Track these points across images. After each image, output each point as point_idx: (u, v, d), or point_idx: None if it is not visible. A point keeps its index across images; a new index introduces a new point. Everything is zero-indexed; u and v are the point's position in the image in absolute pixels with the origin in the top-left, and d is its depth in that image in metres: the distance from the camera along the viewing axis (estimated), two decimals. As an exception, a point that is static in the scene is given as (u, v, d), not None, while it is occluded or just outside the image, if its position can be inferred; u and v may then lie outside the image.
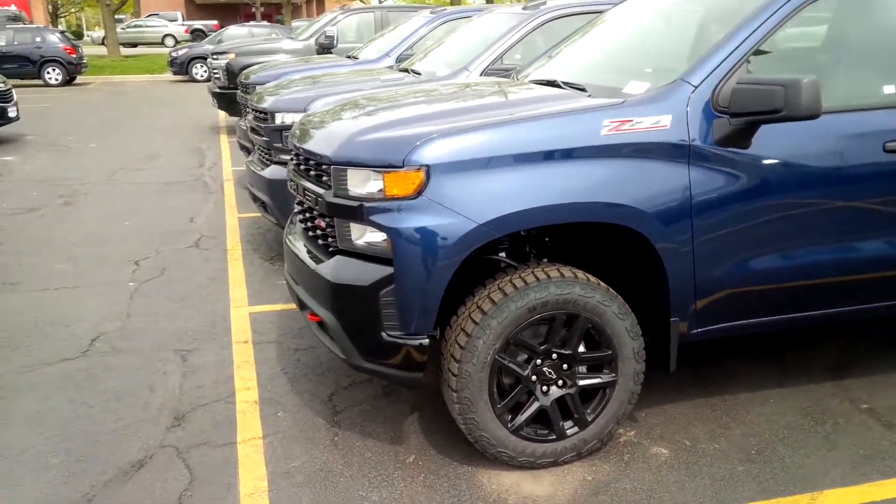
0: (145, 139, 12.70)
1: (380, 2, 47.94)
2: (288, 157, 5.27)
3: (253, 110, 6.10)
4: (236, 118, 13.14)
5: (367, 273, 2.97)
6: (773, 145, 3.09)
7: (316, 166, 3.22)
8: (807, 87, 2.78)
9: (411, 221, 2.85)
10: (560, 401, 3.12)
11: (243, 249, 6.33)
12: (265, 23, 30.34)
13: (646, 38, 4.06)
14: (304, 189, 3.37)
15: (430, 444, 3.35)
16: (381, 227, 2.89)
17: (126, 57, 32.34)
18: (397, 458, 3.24)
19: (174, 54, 24.58)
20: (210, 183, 9.08)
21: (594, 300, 3.01)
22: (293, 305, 4.90)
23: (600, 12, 5.71)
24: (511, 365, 3.03)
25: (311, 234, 3.46)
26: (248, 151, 8.31)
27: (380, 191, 2.91)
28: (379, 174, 2.90)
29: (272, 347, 4.39)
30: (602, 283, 3.05)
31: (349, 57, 9.13)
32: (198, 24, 44.63)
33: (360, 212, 2.95)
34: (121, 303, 5.11)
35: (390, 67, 7.04)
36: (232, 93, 12.56)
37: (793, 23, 3.20)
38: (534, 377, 3.08)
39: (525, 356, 3.06)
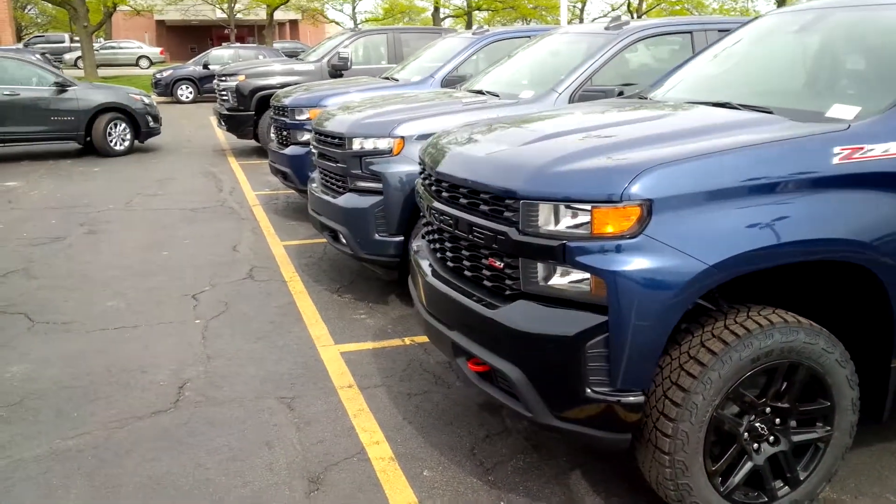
0: (149, 162, 12.17)
1: (355, 24, 47.83)
2: (366, 184, 5.08)
3: (319, 134, 5.71)
4: (247, 140, 12.76)
5: (570, 322, 2.60)
6: None
7: (491, 200, 2.85)
8: None
9: (632, 263, 2.50)
10: (771, 459, 2.79)
11: (303, 281, 5.91)
12: (252, 44, 29.82)
13: (802, 58, 3.78)
14: (460, 221, 3.01)
15: (611, 508, 2.99)
16: (592, 270, 2.54)
17: (105, 78, 31.53)
18: (582, 527, 2.88)
19: (158, 76, 23.97)
20: (237, 209, 8.62)
21: (818, 347, 2.69)
22: (383, 343, 4.59)
23: (688, 32, 5.52)
24: (730, 423, 2.69)
25: (468, 272, 3.10)
26: (282, 175, 7.94)
27: (585, 228, 2.56)
28: (586, 210, 2.56)
29: (382, 392, 3.98)
30: (824, 329, 2.73)
31: (386, 78, 8.78)
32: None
33: (560, 252, 2.59)
34: (194, 343, 4.66)
35: (453, 89, 6.71)
36: (242, 115, 12.17)
37: None
38: (746, 434, 2.74)
39: (739, 411, 2.72)
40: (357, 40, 13.08)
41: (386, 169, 5.01)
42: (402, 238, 5.06)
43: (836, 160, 2.66)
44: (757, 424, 2.75)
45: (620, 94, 4.98)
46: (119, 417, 3.72)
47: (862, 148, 2.68)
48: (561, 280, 2.67)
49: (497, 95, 5.71)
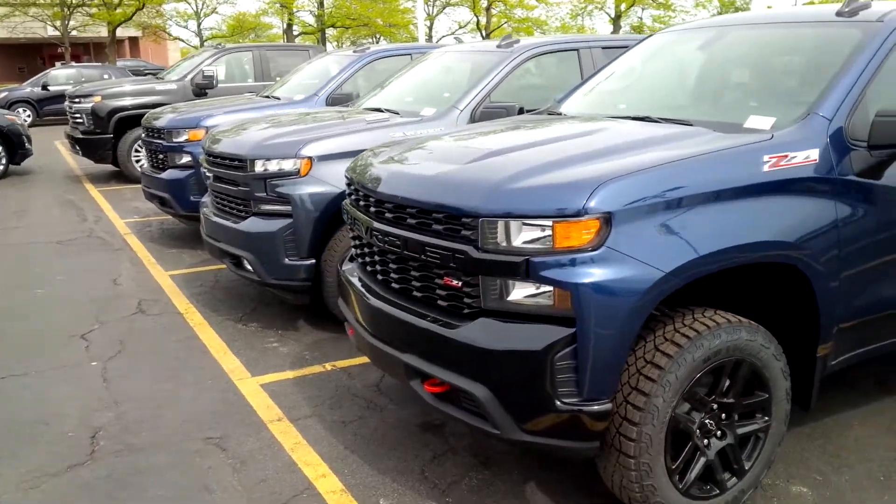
0: (-6, 192, 11.14)
1: (201, 42, 46.14)
2: (271, 207, 4.91)
3: (213, 156, 5.45)
4: (104, 164, 11.97)
5: (536, 336, 2.63)
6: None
7: (445, 219, 2.83)
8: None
9: (596, 275, 2.56)
10: (720, 452, 2.94)
11: (201, 312, 5.60)
12: (97, 64, 28.00)
13: (706, 73, 4.03)
14: (409, 242, 2.97)
15: (572, 516, 3.04)
16: (557, 284, 2.58)
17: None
18: (550, 539, 2.90)
19: (-9, 98, 22.00)
20: (108, 239, 8.05)
21: (757, 343, 2.87)
22: (304, 370, 4.44)
23: (575, 49, 5.77)
24: (685, 422, 2.81)
25: (418, 293, 3.06)
26: (159, 201, 7.53)
27: (546, 243, 2.61)
28: (547, 225, 2.60)
29: (315, 423, 3.84)
30: (761, 326, 2.92)
31: (266, 97, 8.54)
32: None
33: (524, 268, 2.62)
34: (96, 388, 4.29)
35: (345, 107, 6.62)
36: (99, 138, 11.44)
37: None
38: (698, 431, 2.88)
39: (691, 410, 2.85)
40: (221, 58, 12.63)
41: (294, 191, 4.86)
42: (314, 261, 4.92)
43: (766, 168, 2.86)
44: (707, 421, 2.89)
45: (521, 110, 5.12)
46: (30, 476, 3.36)
47: (787, 156, 2.90)
48: (523, 295, 2.69)
49: (397, 113, 5.69)
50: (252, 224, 5.04)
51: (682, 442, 2.85)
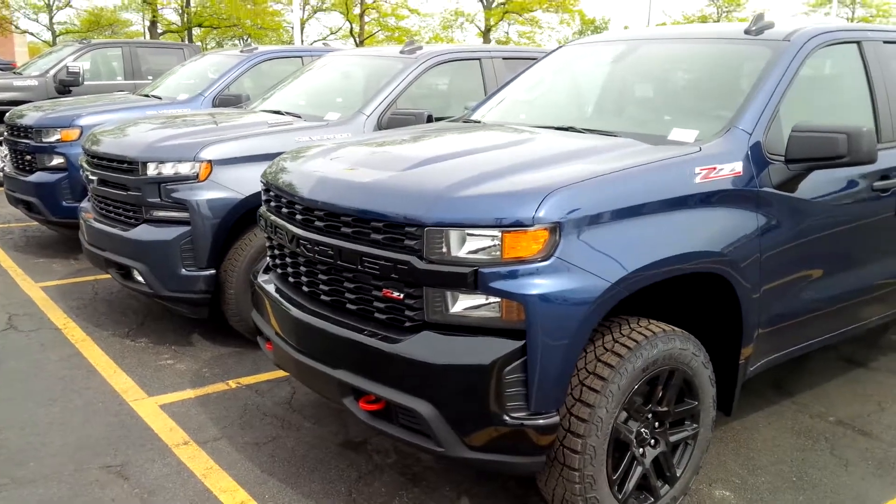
0: None
1: (53, 36, 43.03)
2: (166, 214, 4.58)
3: (96, 158, 5.02)
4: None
5: (485, 349, 2.55)
6: (808, 187, 3.30)
7: (385, 228, 2.70)
8: (868, 135, 3.02)
9: (547, 286, 2.52)
10: (653, 461, 2.98)
11: (81, 327, 5.13)
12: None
13: (620, 85, 4.10)
14: (343, 252, 2.82)
15: (510, 532, 2.98)
16: (507, 295, 2.52)
17: None
18: (491, 557, 2.82)
19: None
20: (-38, 247, 7.27)
21: (689, 352, 2.93)
22: (205, 389, 4.15)
23: (477, 59, 5.79)
24: (625, 432, 2.82)
25: (352, 305, 2.91)
26: (26, 206, 6.89)
27: (495, 254, 2.54)
28: (495, 236, 2.53)
29: (226, 445, 3.58)
30: (691, 335, 2.98)
31: (146, 96, 8.00)
32: None
33: (472, 279, 2.54)
34: (-35, 415, 3.82)
35: (239, 109, 6.28)
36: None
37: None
38: (635, 440, 2.90)
39: (628, 419, 2.86)
40: (86, 53, 11.78)
41: (192, 196, 4.54)
42: (214, 272, 4.62)
43: (697, 179, 2.93)
44: (642, 430, 2.91)
45: (430, 117, 5.05)
46: None
47: (715, 168, 2.99)
48: (469, 307, 2.61)
49: (299, 116, 5.47)
50: (144, 232, 4.66)
51: (622, 452, 2.86)
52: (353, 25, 47.10)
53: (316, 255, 2.97)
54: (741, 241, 3.03)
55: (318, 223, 2.97)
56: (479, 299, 2.59)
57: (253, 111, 5.96)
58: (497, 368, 2.53)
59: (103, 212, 5.12)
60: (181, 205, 4.57)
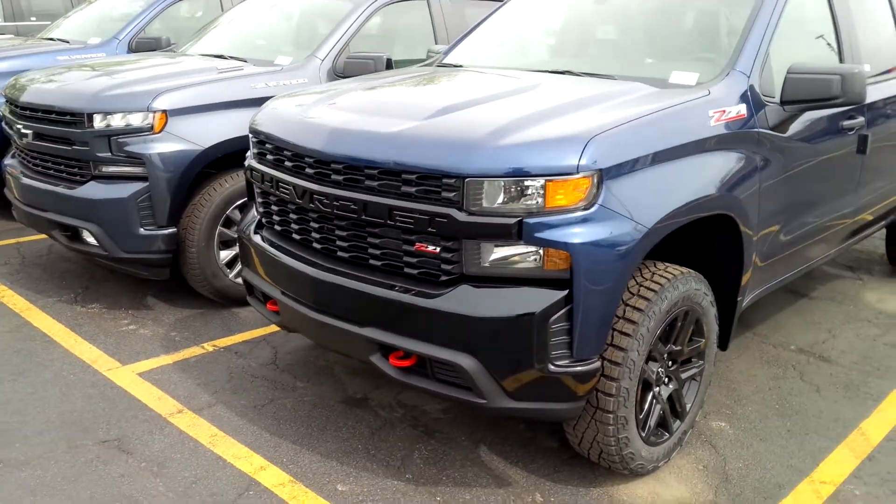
0: None
1: None
2: (117, 169, 4.27)
3: (27, 109, 4.58)
4: None
5: (530, 300, 2.55)
6: (795, 128, 3.44)
7: (419, 180, 2.61)
8: (860, 76, 3.17)
9: (591, 233, 2.53)
10: (668, 398, 3.10)
11: (21, 294, 4.75)
12: None
13: (605, 23, 4.09)
14: (369, 206, 2.71)
15: (536, 475, 3.03)
16: (553, 245, 2.51)
17: None
18: (525, 501, 2.88)
19: None
20: None
21: (701, 292, 3.04)
22: (181, 354, 3.98)
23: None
24: (648, 373, 2.91)
25: (376, 261, 2.82)
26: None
27: (538, 202, 2.52)
28: (539, 184, 2.51)
29: (224, 411, 3.45)
30: (701, 275, 3.09)
31: (51, 39, 7.32)
32: None
33: (516, 230, 2.51)
34: (-80, 397, 3.48)
35: (169, 53, 5.85)
36: None
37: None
38: (655, 380, 3.00)
39: (648, 360, 2.95)
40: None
41: (148, 149, 4.23)
42: (174, 230, 4.36)
43: (712, 122, 2.99)
44: (660, 370, 3.02)
45: (389, 62, 4.89)
46: None
47: (725, 111, 3.06)
48: (509, 258, 2.59)
49: (244, 60, 5.16)
50: (94, 189, 4.32)
51: (644, 392, 2.95)
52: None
53: (334, 211, 2.85)
54: (746, 181, 3.14)
55: (335, 177, 2.84)
56: (520, 249, 2.57)
57: (189, 56, 5.57)
58: (544, 318, 2.53)
59: (37, 168, 4.70)
60: (136, 159, 4.25)
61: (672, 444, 3.12)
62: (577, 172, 2.51)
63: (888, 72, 4.45)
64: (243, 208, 4.51)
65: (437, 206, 2.59)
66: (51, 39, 7.32)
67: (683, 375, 3.13)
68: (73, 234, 4.50)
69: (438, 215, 2.58)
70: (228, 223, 4.53)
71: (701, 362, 3.20)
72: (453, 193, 2.56)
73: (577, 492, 2.93)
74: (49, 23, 10.38)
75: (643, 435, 2.95)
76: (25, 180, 4.69)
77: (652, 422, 3.00)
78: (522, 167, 2.52)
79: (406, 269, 2.76)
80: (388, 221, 2.70)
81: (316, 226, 3.01)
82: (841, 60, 3.92)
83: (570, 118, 2.75)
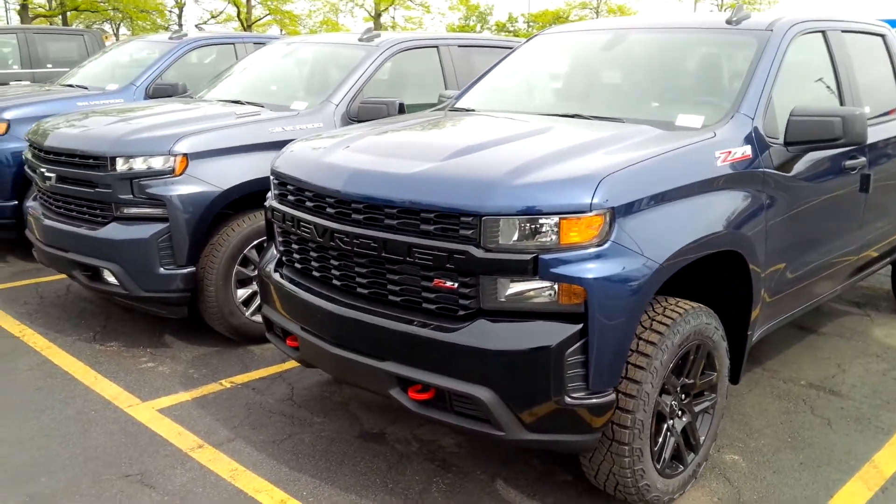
0: None
1: None
2: (139, 211, 4.38)
3: (49, 153, 4.73)
4: None
5: (548, 333, 2.63)
6: (799, 167, 3.55)
7: (437, 219, 2.71)
8: (861, 118, 3.29)
9: (605, 269, 2.62)
10: (682, 431, 3.15)
11: (41, 333, 4.83)
12: None
13: (604, 72, 4.25)
14: (388, 244, 2.81)
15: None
16: (569, 280, 2.60)
17: None
18: (543, 533, 2.92)
19: None
20: None
21: (712, 327, 3.11)
22: (200, 391, 4.05)
23: (434, 46, 5.84)
24: (662, 405, 2.97)
25: (396, 297, 2.91)
26: None
27: (553, 239, 2.62)
28: (554, 222, 2.61)
29: (244, 446, 3.50)
30: (712, 310, 3.16)
31: (69, 86, 7.53)
32: None
33: (532, 266, 2.60)
34: (-54, 434, 3.55)
35: (187, 98, 6.03)
36: None
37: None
38: (669, 413, 3.06)
39: (661, 393, 3.01)
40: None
41: (170, 192, 4.36)
42: (193, 269, 4.47)
43: (718, 163, 3.11)
44: (673, 403, 3.08)
45: (402, 106, 5.04)
46: None
47: (731, 151, 3.17)
48: (525, 293, 2.68)
49: (261, 106, 5.32)
50: (116, 230, 4.44)
51: (658, 425, 3.01)
52: (240, 9, 45.56)
53: (354, 248, 2.95)
54: (753, 219, 3.23)
55: (355, 216, 2.95)
56: (535, 284, 2.66)
57: (207, 101, 5.75)
58: (560, 350, 2.61)
59: (59, 210, 4.82)
60: (157, 201, 4.38)
61: (687, 477, 3.16)
62: (591, 210, 2.61)
63: (888, 113, 4.58)
64: (260, 248, 4.64)
65: (455, 244, 2.69)
66: (69, 86, 7.53)
67: (697, 408, 3.19)
68: (94, 274, 4.60)
69: (456, 252, 2.68)
70: (245, 262, 4.64)
71: (713, 395, 3.26)
72: (471, 231, 2.66)
73: (595, 525, 2.98)
74: (65, 70, 10.70)
75: (658, 467, 3.00)
76: (47, 222, 4.81)
77: (667, 454, 3.05)
78: (537, 206, 2.62)
79: (424, 305, 2.85)
80: (408, 258, 2.80)
81: (336, 263, 3.11)
82: (841, 103, 4.05)
83: (582, 159, 2.87)
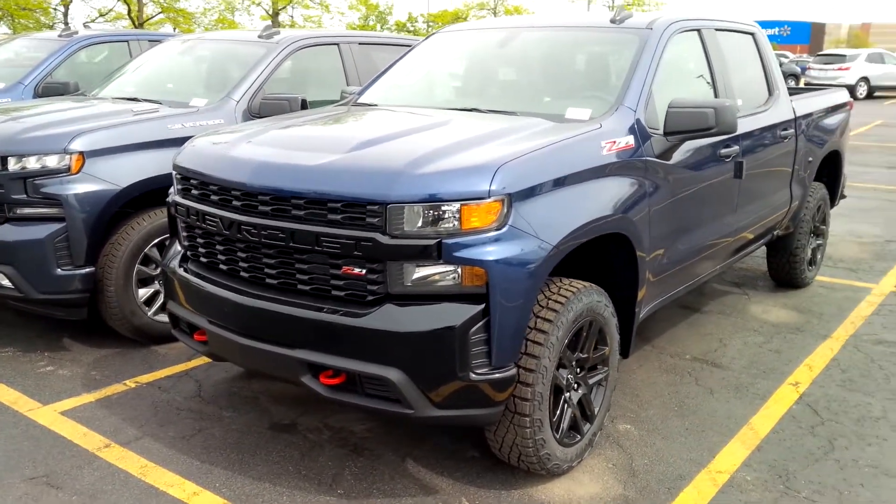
0: None
1: None
2: (33, 211, 4.28)
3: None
4: None
5: (452, 314, 2.78)
6: (678, 156, 3.84)
7: (344, 208, 2.81)
8: (731, 109, 3.59)
9: (504, 251, 2.79)
10: (578, 402, 3.36)
11: (-75, 342, 4.62)
12: None
13: (499, 69, 4.44)
14: (296, 234, 2.90)
15: (461, 482, 3.22)
16: (470, 263, 2.75)
17: None
18: (452, 506, 3.07)
19: None
20: None
21: (602, 304, 3.34)
22: (103, 392, 4.02)
23: (335, 44, 5.93)
24: (559, 378, 3.17)
25: (304, 286, 2.99)
26: None
27: (455, 225, 2.77)
28: (454, 209, 2.76)
29: (152, 443, 3.48)
30: (602, 289, 3.39)
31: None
32: None
33: (436, 251, 2.75)
34: None
35: (79, 96, 5.84)
36: None
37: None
38: (566, 385, 3.27)
39: (558, 367, 3.21)
40: None
41: (66, 191, 4.26)
42: (92, 269, 4.38)
43: (604, 151, 3.34)
44: (569, 376, 3.29)
45: (304, 102, 5.10)
46: None
47: (615, 141, 3.41)
48: (430, 276, 2.81)
49: (158, 102, 5.25)
50: (9, 232, 4.30)
51: (556, 397, 3.21)
52: (131, 7, 43.81)
53: (262, 240, 3.01)
54: (637, 204, 3.49)
55: (262, 208, 3.01)
56: (439, 268, 2.80)
57: (101, 99, 5.61)
58: (464, 330, 2.76)
59: (-55, 213, 4.61)
60: (52, 200, 4.27)
61: (584, 445, 3.38)
62: (489, 197, 2.78)
63: (759, 106, 4.98)
64: (161, 246, 4.59)
65: (362, 231, 2.80)
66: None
67: (591, 381, 3.41)
68: (-16, 278, 4.43)
69: (364, 240, 2.79)
70: (146, 261, 4.58)
71: (606, 368, 3.49)
72: (377, 219, 2.78)
73: (500, 494, 3.14)
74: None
75: (557, 437, 3.20)
76: (-69, 225, 4.60)
77: (564, 424, 3.25)
78: (439, 193, 2.77)
79: (333, 292, 2.94)
80: (316, 247, 2.89)
81: (243, 255, 3.16)
82: (716, 97, 4.39)
83: (480, 149, 3.03)
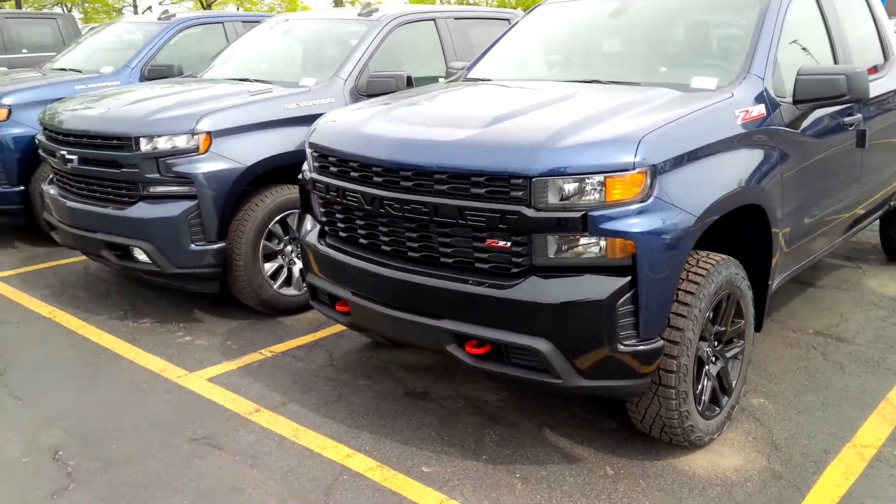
0: None
1: None
2: (166, 189, 4.47)
3: (67, 135, 4.80)
4: None
5: (599, 286, 2.82)
6: (805, 124, 3.76)
7: (488, 182, 2.87)
8: (863, 75, 3.50)
9: (650, 223, 2.81)
10: (716, 375, 3.36)
11: (71, 313, 4.91)
12: None
13: (617, 36, 4.40)
14: (440, 208, 2.96)
15: (602, 451, 3.29)
16: (617, 235, 2.78)
17: None
18: (597, 475, 3.13)
19: None
20: None
21: (740, 277, 3.33)
22: (243, 360, 4.19)
23: (432, 20, 5.96)
24: (701, 351, 3.18)
25: (447, 259, 3.07)
26: None
27: (600, 197, 2.80)
28: (599, 181, 2.79)
29: (299, 408, 3.65)
30: (739, 261, 3.37)
31: (62, 70, 7.50)
32: None
33: (582, 223, 2.78)
34: (11, 408, 3.66)
35: (189, 78, 6.05)
36: None
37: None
38: (706, 358, 3.28)
39: (699, 340, 3.21)
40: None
41: (196, 169, 4.45)
42: (223, 244, 4.58)
43: (738, 121, 3.30)
44: (708, 349, 3.29)
45: (409, 79, 5.16)
46: (1, 518, 2.84)
47: (748, 111, 3.37)
48: (575, 248, 2.85)
49: (269, 83, 5.39)
50: (145, 209, 4.53)
51: (699, 370, 3.22)
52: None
53: (405, 214, 3.10)
54: (769, 173, 3.44)
55: (404, 183, 3.09)
56: (584, 240, 2.84)
57: (213, 80, 5.80)
58: (612, 302, 2.81)
59: (81, 191, 4.89)
60: (184, 179, 4.47)
61: (723, 418, 3.38)
62: (634, 168, 2.80)
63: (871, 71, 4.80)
64: (284, 223, 4.77)
65: (506, 205, 2.86)
66: (62, 70, 7.49)
67: (728, 354, 3.41)
68: (124, 253, 4.69)
69: (509, 213, 2.84)
70: (270, 237, 4.76)
71: (742, 342, 3.48)
72: (521, 192, 2.83)
73: (643, 464, 3.19)
74: (42, 55, 10.57)
75: (700, 409, 3.22)
76: (70, 203, 4.88)
77: (706, 397, 3.27)
78: (583, 166, 2.80)
79: (477, 264, 3.02)
80: (459, 221, 2.96)
81: (385, 229, 3.26)
82: (835, 61, 4.27)
83: (618, 120, 3.04)
